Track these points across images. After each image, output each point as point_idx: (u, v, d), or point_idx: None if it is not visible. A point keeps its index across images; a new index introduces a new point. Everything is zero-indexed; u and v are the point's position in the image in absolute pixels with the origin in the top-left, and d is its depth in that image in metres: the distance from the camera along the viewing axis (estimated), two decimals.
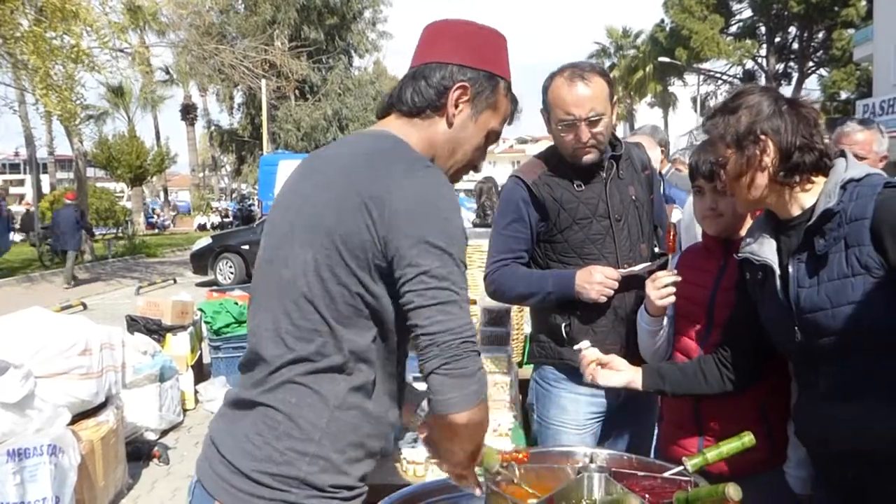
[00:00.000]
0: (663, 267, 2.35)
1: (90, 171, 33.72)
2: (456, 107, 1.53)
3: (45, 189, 33.92)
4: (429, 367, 1.31)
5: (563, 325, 2.51)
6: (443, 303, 1.30)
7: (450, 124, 1.54)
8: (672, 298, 2.18)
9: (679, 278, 2.17)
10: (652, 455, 2.39)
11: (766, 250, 1.84)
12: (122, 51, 15.27)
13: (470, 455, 1.45)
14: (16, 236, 25.18)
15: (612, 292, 2.40)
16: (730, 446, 1.70)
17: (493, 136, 1.60)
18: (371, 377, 1.43)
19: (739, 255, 1.92)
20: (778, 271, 1.81)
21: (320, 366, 1.39)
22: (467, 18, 1.61)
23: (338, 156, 1.49)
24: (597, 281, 2.38)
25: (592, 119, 2.38)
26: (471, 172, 1.71)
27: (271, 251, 1.48)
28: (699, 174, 2.13)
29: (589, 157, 2.44)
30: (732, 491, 1.35)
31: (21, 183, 65.41)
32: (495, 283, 2.60)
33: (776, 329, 1.87)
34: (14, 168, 71.28)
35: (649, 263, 2.51)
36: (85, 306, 12.12)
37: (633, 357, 2.47)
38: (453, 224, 1.35)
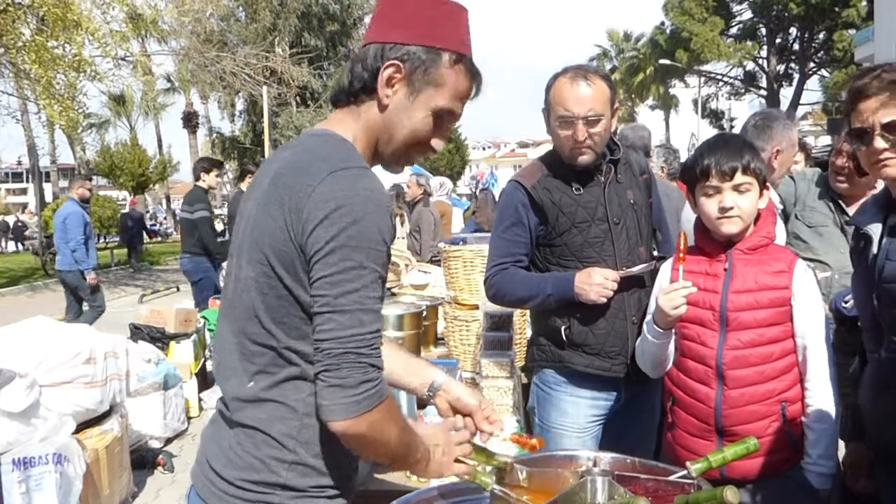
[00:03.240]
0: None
1: (92, 180, 33.78)
2: (390, 87, 1.43)
3: (48, 198, 33.99)
4: (314, 371, 1.30)
5: (563, 327, 2.51)
6: (333, 311, 1.27)
7: (382, 107, 1.45)
8: (684, 309, 2.13)
9: (694, 288, 2.12)
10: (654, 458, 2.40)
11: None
12: (123, 59, 15.31)
13: (392, 459, 1.44)
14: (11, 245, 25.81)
15: (611, 293, 2.41)
16: (734, 450, 1.70)
17: (447, 116, 1.49)
18: None
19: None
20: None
21: (279, 377, 1.39)
22: None
23: (274, 165, 1.44)
24: (596, 283, 2.38)
25: (591, 119, 2.38)
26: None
27: (229, 269, 1.50)
28: (717, 174, 2.11)
29: (584, 159, 2.45)
30: (730, 495, 1.35)
31: (24, 192, 65.61)
32: (495, 286, 2.60)
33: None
34: (17, 177, 71.54)
35: (648, 264, 2.51)
36: None
37: (631, 360, 2.48)
38: (365, 227, 1.28)
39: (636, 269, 2.48)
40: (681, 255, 2.16)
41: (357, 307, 1.27)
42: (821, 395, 2.10)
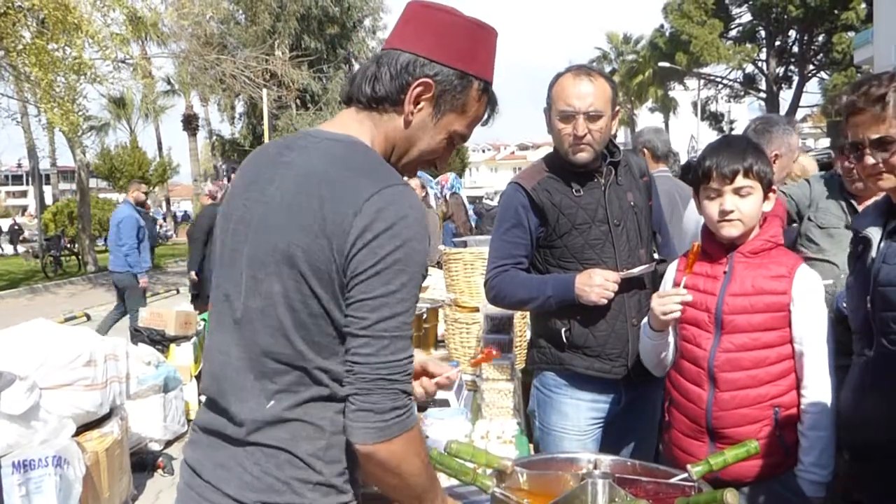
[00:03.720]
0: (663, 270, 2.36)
1: (92, 182, 33.80)
2: (416, 104, 1.40)
3: (48, 200, 34.01)
4: (345, 393, 1.29)
5: (563, 329, 2.51)
6: (371, 336, 1.26)
7: (406, 123, 1.41)
8: (677, 315, 2.16)
9: (690, 297, 2.14)
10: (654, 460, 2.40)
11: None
12: (123, 62, 15.32)
13: (410, 495, 1.37)
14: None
15: (612, 294, 2.41)
16: (735, 453, 1.71)
17: (457, 139, 1.48)
18: None
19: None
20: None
21: (304, 396, 1.34)
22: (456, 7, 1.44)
23: (287, 171, 1.36)
24: (597, 284, 2.39)
25: (591, 114, 2.40)
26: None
27: (232, 280, 1.39)
28: (718, 176, 2.11)
29: (583, 156, 2.45)
30: (731, 497, 1.36)
31: (24, 194, 65.67)
32: (495, 288, 2.60)
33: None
34: (17, 179, 71.63)
35: (648, 265, 2.52)
36: (88, 317, 12.14)
37: (632, 361, 2.48)
38: (412, 250, 1.26)
39: (636, 271, 2.48)
40: (689, 262, 2.18)
41: (394, 333, 1.26)
42: (817, 403, 2.08)
